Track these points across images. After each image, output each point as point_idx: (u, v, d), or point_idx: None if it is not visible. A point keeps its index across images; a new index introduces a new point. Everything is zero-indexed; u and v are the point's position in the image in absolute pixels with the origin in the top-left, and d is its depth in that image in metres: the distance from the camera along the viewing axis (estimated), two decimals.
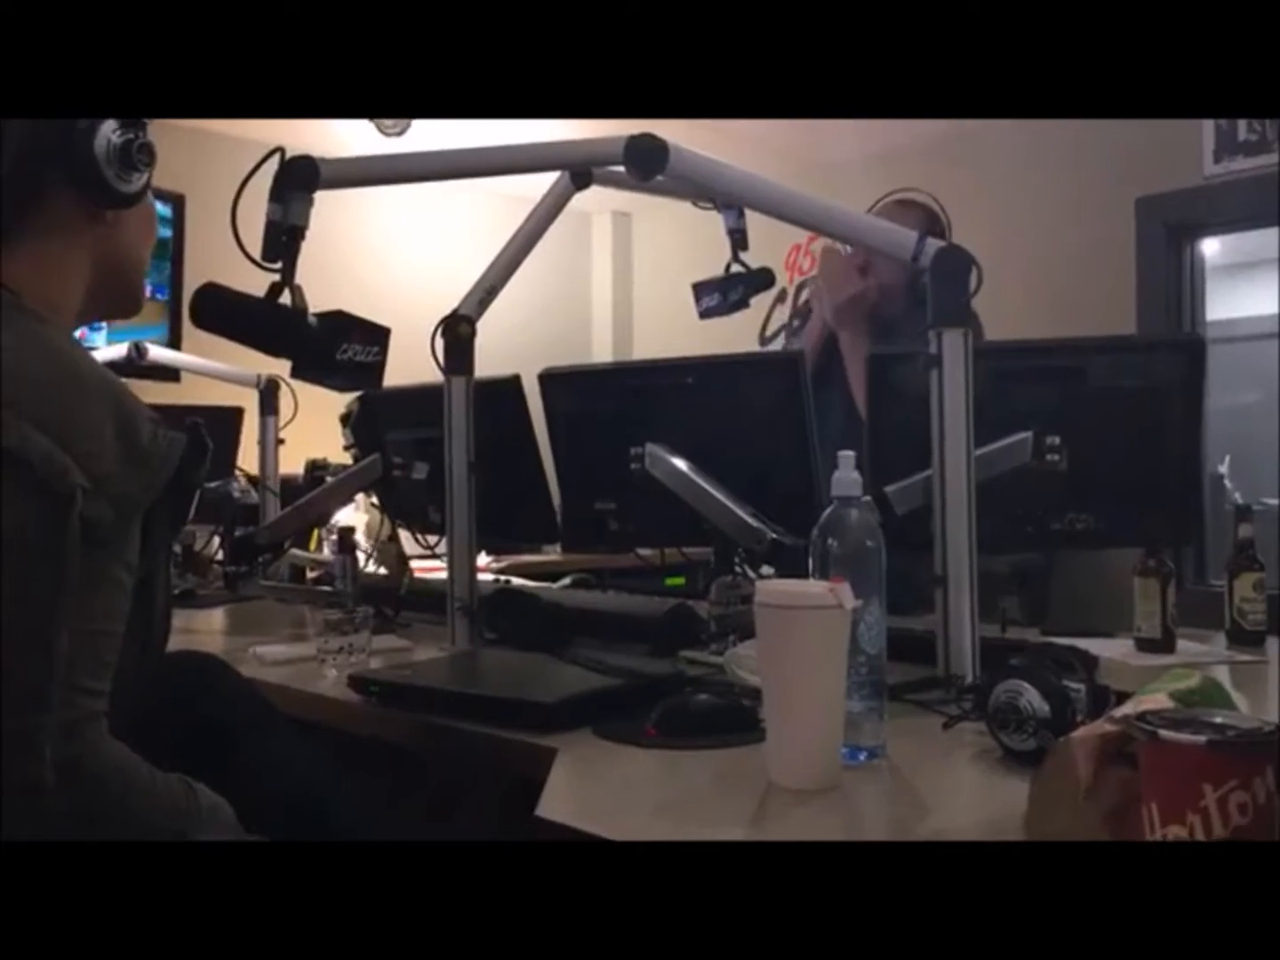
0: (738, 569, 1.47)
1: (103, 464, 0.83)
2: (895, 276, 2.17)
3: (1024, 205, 3.66)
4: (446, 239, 4.33)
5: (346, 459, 2.20)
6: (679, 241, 4.28)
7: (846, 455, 1.05)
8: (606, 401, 1.70)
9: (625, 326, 4.97)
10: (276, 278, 1.25)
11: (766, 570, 1.45)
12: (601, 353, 4.88)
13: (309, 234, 1.27)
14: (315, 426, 2.36)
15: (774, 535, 1.39)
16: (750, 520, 1.42)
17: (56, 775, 0.79)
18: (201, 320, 1.19)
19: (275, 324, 1.23)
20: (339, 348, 1.25)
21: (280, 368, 1.31)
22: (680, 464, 1.52)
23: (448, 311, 1.70)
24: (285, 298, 1.25)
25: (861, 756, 0.98)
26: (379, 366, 1.29)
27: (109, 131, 0.94)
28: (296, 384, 1.46)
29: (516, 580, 2.22)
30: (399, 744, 1.28)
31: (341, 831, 1.09)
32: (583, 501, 1.71)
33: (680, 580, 2.43)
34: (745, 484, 1.49)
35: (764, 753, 0.94)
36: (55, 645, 0.79)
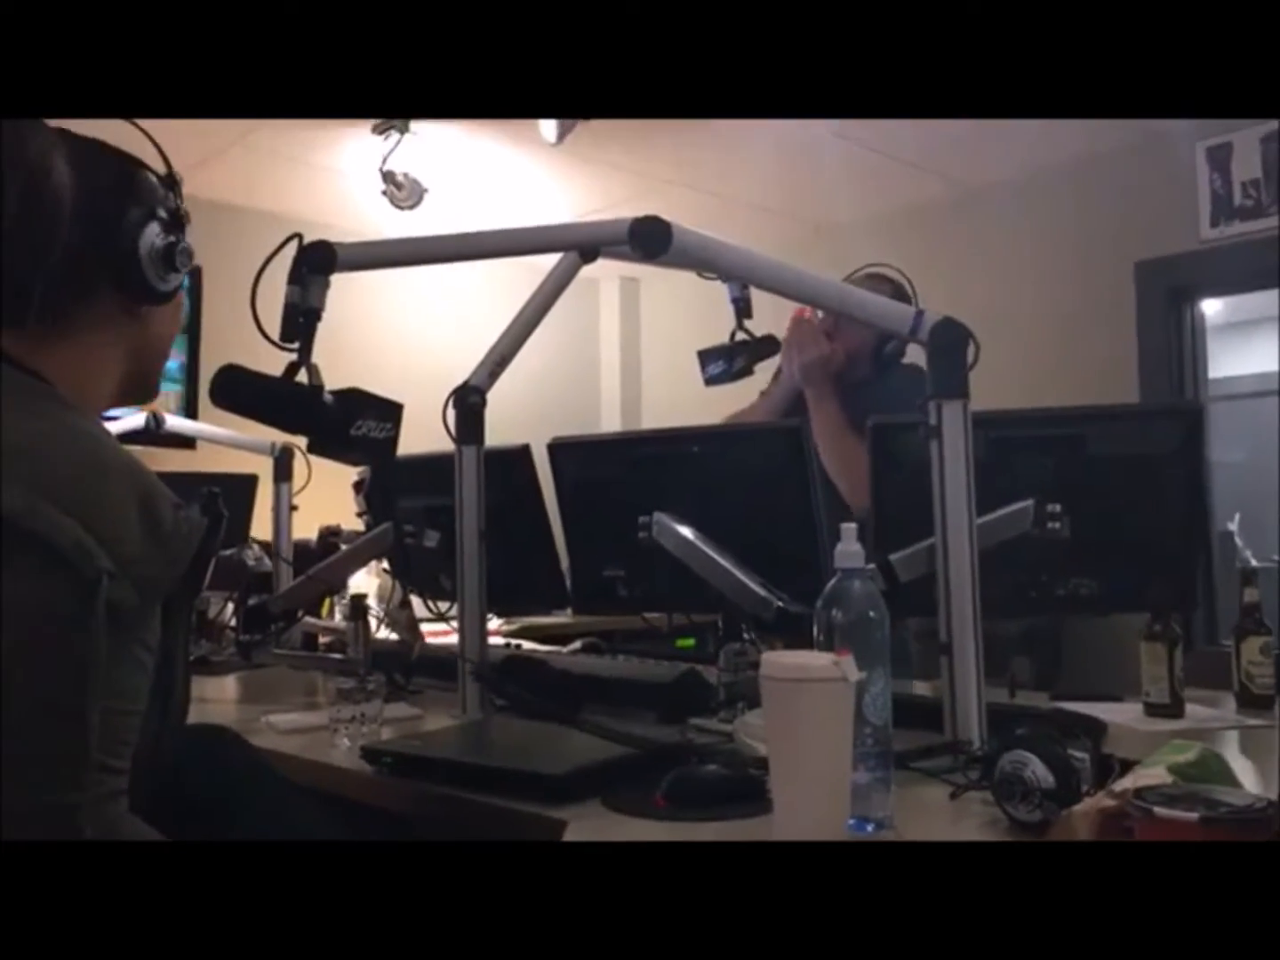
0: (745, 636, 1.48)
1: (127, 548, 0.85)
2: (861, 341, 2.23)
3: (1024, 268, 3.72)
4: (457, 304, 4.41)
5: (358, 524, 2.23)
6: (686, 306, 4.35)
7: (849, 527, 1.07)
8: (613, 469, 1.73)
9: (634, 390, 5.02)
10: (289, 355, 1.29)
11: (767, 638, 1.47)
12: (610, 416, 4.93)
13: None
14: (328, 492, 2.39)
15: (780, 604, 1.41)
16: (757, 589, 1.44)
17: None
18: (221, 399, 1.23)
19: (293, 403, 1.26)
20: (354, 424, 1.29)
21: (295, 437, 1.35)
22: (687, 533, 1.54)
23: (458, 379, 1.74)
24: (302, 376, 1.29)
25: (869, 828, 0.99)
26: (392, 442, 1.32)
27: (153, 234, 0.99)
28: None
29: (526, 645, 2.23)
30: (410, 815, 1.29)
31: None
32: (592, 567, 1.73)
33: (690, 642, 2.44)
34: (750, 550, 1.51)
35: (771, 824, 0.95)
36: (88, 722, 0.81)
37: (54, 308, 0.95)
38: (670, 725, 1.45)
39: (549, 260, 1.87)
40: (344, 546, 2.21)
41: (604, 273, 4.81)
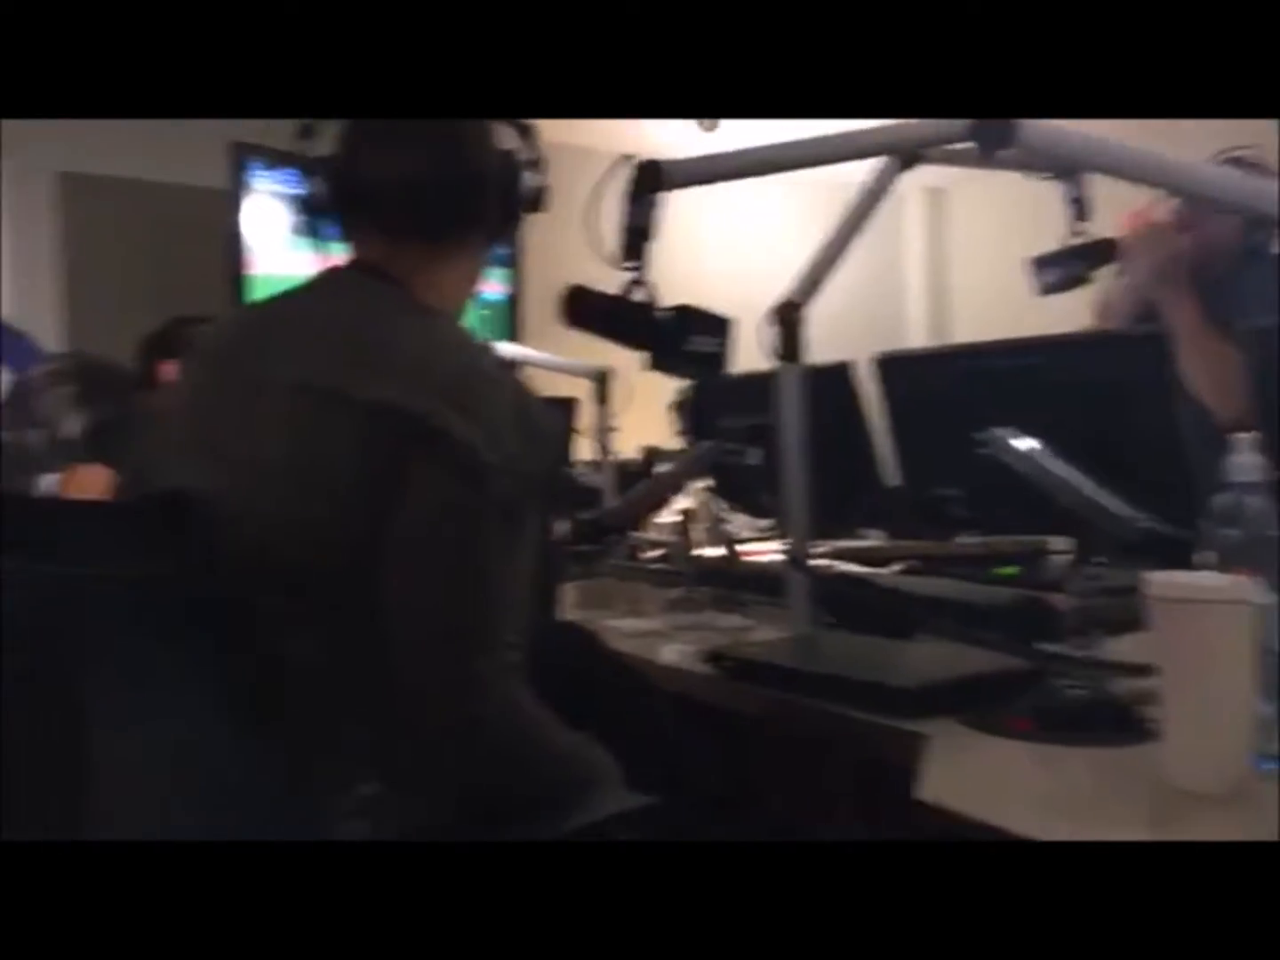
0: (1099, 559, 1.39)
1: (508, 446, 0.92)
2: (1223, 231, 1.98)
3: None
4: (759, 226, 4.37)
5: (672, 447, 2.28)
6: (1002, 214, 4.09)
7: (1244, 437, 0.97)
8: (948, 383, 1.66)
9: (942, 311, 4.81)
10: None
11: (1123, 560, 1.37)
12: (916, 340, 4.75)
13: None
14: (645, 414, 2.47)
15: (1147, 524, 1.30)
16: (1118, 509, 1.34)
17: (496, 712, 0.89)
18: (569, 318, 1.29)
19: (633, 320, 1.30)
20: (686, 340, 1.32)
21: (612, 359, 1.40)
22: (1035, 449, 1.46)
23: (761, 301, 1.72)
24: (639, 295, 1.33)
25: (1271, 765, 0.90)
26: (722, 356, 1.34)
27: (530, 178, 1.10)
28: (629, 374, 1.55)
29: (843, 566, 2.21)
30: (749, 718, 1.32)
31: (710, 796, 1.14)
32: (923, 486, 1.68)
33: (1013, 570, 2.33)
34: (1102, 469, 1.40)
35: (1161, 751, 0.89)
36: (489, 599, 0.90)
37: (447, 232, 1.04)
38: (1013, 651, 1.39)
39: (852, 179, 1.80)
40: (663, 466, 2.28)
41: (907, 183, 4.59)
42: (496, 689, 0.91)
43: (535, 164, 1.10)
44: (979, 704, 1.10)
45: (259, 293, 2.99)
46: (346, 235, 1.07)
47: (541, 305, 1.36)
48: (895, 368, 1.69)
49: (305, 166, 1.07)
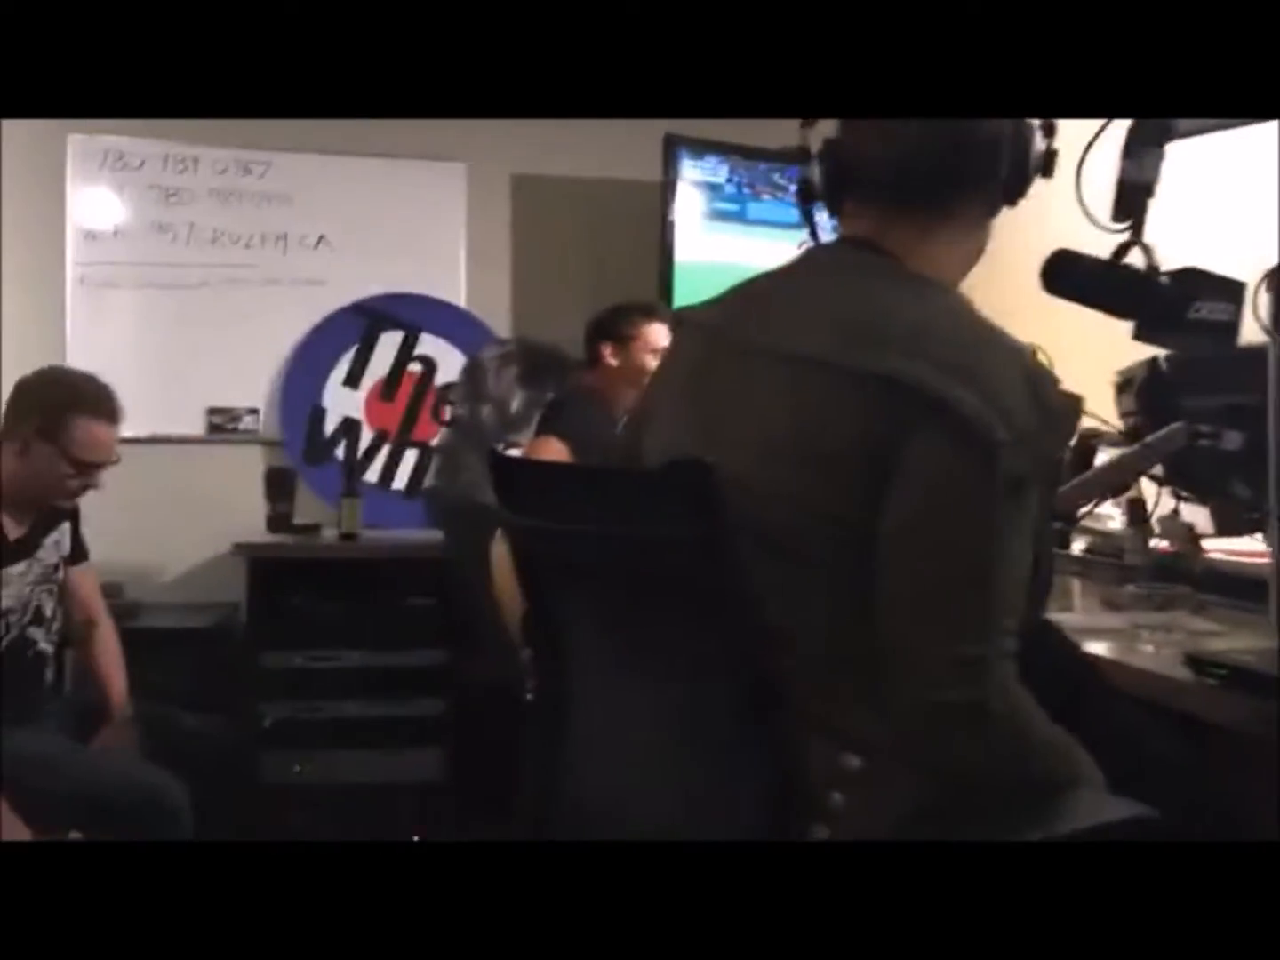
0: None
1: (1019, 420, 0.88)
2: None
3: None
4: (1250, 187, 3.90)
5: (1096, 430, 2.09)
6: None
7: None
8: None
9: None
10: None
11: None
12: None
13: None
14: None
15: None
16: None
17: (994, 698, 0.86)
18: (1053, 284, 1.21)
19: (1127, 285, 1.20)
20: (1191, 306, 1.19)
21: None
22: None
23: (1258, 268, 1.51)
24: (1133, 257, 1.21)
25: None
26: (1236, 324, 1.19)
27: (1039, 140, 1.03)
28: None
29: None
30: (1237, 731, 1.18)
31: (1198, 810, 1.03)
32: None
33: None
34: None
35: None
36: (993, 582, 0.86)
37: (946, 203, 1.01)
38: None
39: None
40: (1107, 450, 2.10)
41: None
42: (995, 674, 0.87)
43: (1049, 127, 1.04)
44: None
45: (686, 280, 3.14)
46: (837, 213, 1.07)
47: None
48: None
49: (800, 154, 1.07)
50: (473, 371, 3.40)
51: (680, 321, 1.15)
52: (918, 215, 1.02)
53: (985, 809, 0.92)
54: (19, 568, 2.12)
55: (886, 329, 0.92)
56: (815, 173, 1.06)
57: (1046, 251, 1.24)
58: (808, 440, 0.92)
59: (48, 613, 2.21)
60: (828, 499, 0.91)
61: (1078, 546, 2.16)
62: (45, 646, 2.20)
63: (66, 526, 2.28)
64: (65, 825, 2.07)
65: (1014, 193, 1.03)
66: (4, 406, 2.13)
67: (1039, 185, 1.05)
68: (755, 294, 1.08)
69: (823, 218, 1.11)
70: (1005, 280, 1.28)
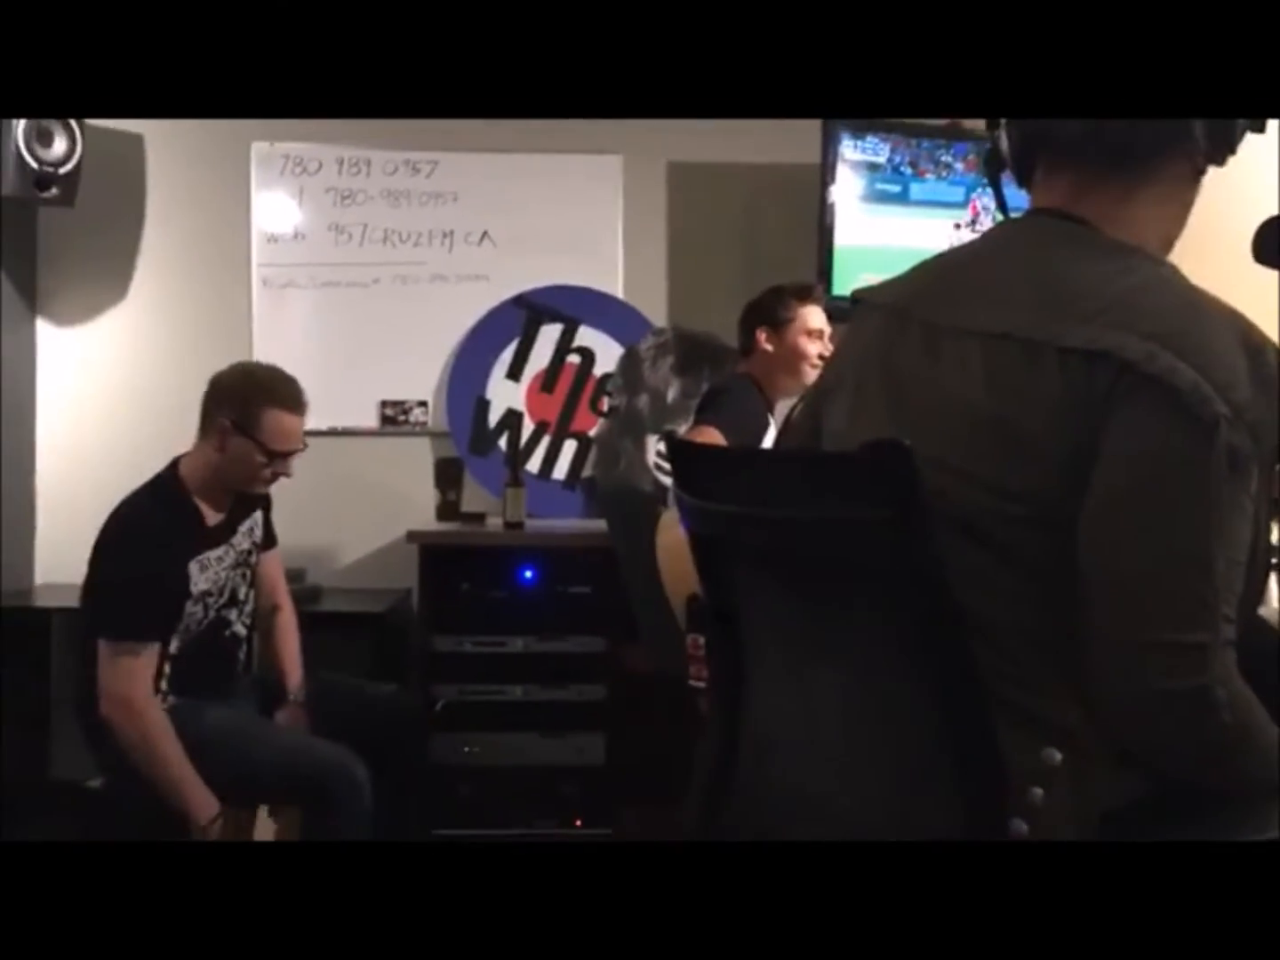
0: None
1: (1239, 393, 0.82)
2: None
3: None
4: None
5: None
6: None
7: None
8: None
9: None
10: None
11: None
12: None
13: None
14: None
15: None
16: None
17: (1215, 689, 0.82)
18: (1268, 256, 1.13)
19: None
20: None
21: None
22: None
23: None
24: None
25: None
26: None
27: None
28: None
29: None
30: None
31: None
32: None
33: None
34: None
35: None
36: (1214, 565, 0.81)
37: (1144, 166, 0.95)
38: None
39: None
40: None
41: None
42: (1216, 663, 0.82)
43: None
44: None
45: (846, 264, 3.08)
46: (1027, 183, 1.02)
47: None
48: None
49: (990, 123, 1.04)
50: (630, 362, 3.44)
51: (858, 302, 1.12)
52: (1115, 180, 0.96)
53: (1196, 809, 0.87)
54: (217, 552, 2.27)
55: (1089, 301, 0.87)
56: (1003, 141, 1.01)
57: (1242, 220, 1.16)
58: (1006, 420, 0.88)
59: (241, 596, 2.35)
60: (1027, 481, 0.87)
61: None
62: (239, 628, 2.35)
63: (259, 514, 2.42)
64: (255, 799, 2.21)
65: (1223, 150, 0.96)
66: (202, 403, 2.28)
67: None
68: (943, 271, 1.05)
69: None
70: (1203, 250, 1.20)
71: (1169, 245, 1.01)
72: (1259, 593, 0.92)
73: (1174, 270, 0.94)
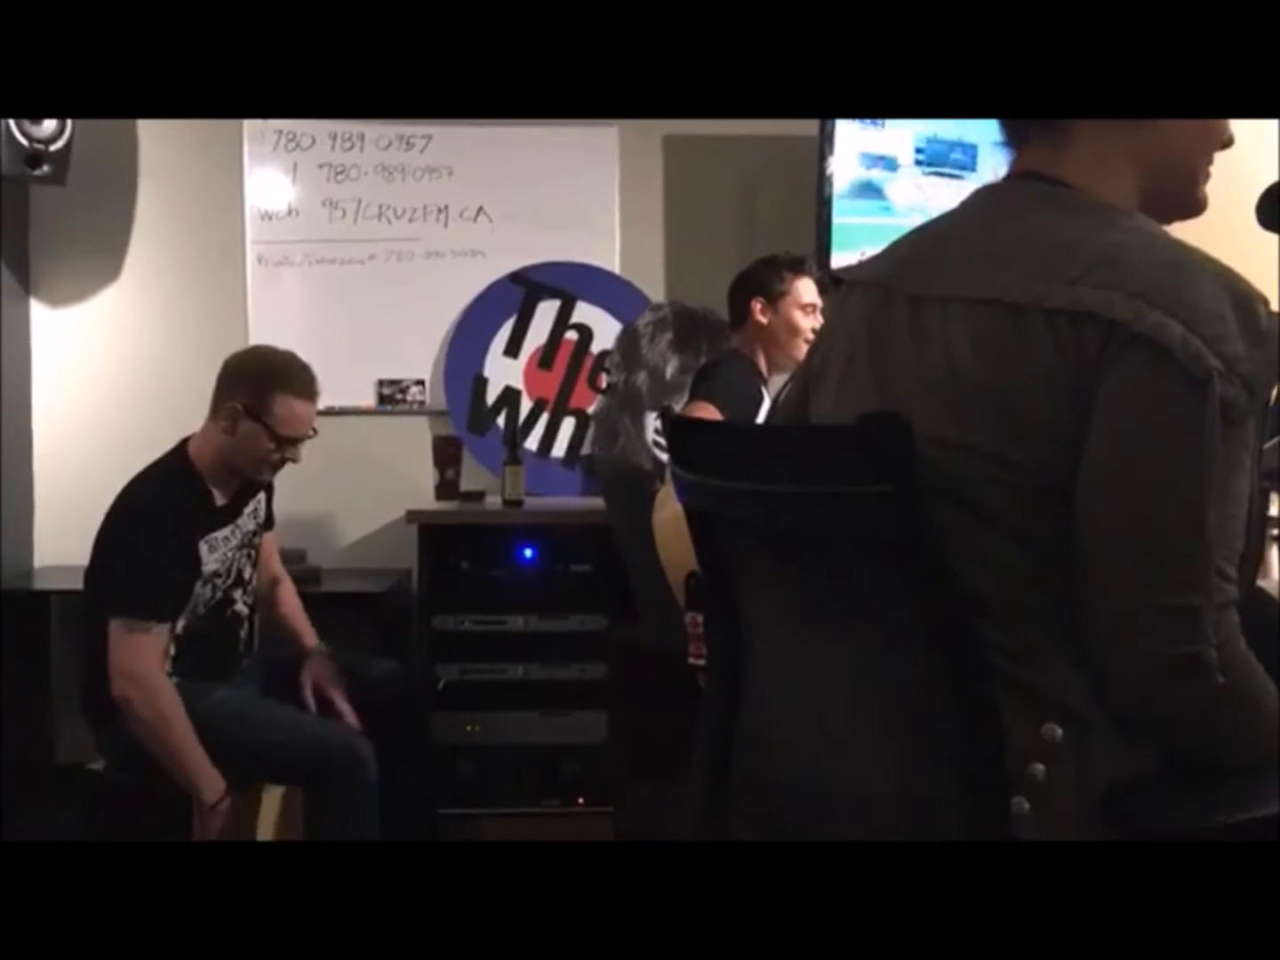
0: None
1: (1230, 345, 0.81)
2: None
3: None
4: None
5: None
6: None
7: None
8: None
9: None
10: None
11: None
12: None
13: None
14: None
15: None
16: None
17: (1215, 654, 0.81)
18: (1271, 220, 1.13)
19: None
20: None
21: None
22: None
23: None
24: None
25: None
26: None
27: None
28: None
29: None
30: None
31: None
32: None
33: None
34: None
35: None
36: (1208, 523, 0.80)
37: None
38: None
39: None
40: None
41: None
42: (1213, 624, 0.81)
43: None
44: None
45: (843, 238, 3.06)
46: (1010, 145, 1.01)
47: None
48: None
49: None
50: (628, 339, 3.43)
51: (839, 281, 1.11)
52: (1087, 139, 0.95)
53: (1198, 783, 0.86)
54: (224, 533, 2.27)
55: (1073, 262, 0.86)
56: None
57: (1236, 185, 1.15)
58: (997, 388, 0.87)
59: (246, 576, 2.36)
60: (1021, 448, 0.86)
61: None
62: (242, 607, 2.35)
63: (262, 495, 2.42)
64: (261, 779, 2.23)
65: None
66: (215, 384, 2.27)
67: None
68: (923, 242, 1.03)
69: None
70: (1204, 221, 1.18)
71: (1163, 204, 0.99)
72: (1258, 552, 0.92)
73: (1157, 227, 0.93)
